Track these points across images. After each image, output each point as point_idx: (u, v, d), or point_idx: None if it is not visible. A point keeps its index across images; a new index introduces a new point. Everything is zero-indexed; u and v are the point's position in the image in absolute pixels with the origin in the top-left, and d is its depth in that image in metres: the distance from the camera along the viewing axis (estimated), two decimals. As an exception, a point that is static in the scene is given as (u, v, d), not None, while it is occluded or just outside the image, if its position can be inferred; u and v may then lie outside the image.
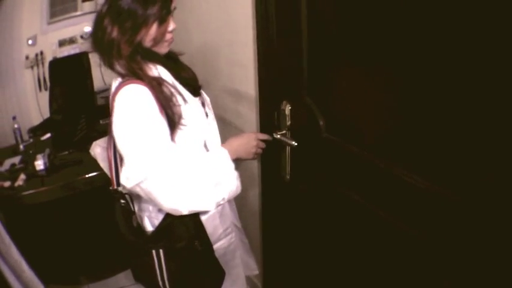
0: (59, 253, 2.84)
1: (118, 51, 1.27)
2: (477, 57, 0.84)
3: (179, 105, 1.31)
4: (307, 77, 1.43)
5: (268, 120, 1.69)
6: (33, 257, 2.40)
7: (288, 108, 1.53)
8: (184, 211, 1.29)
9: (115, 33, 1.26)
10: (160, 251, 1.36)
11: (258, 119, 1.83)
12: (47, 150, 2.89)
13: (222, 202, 1.36)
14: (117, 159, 1.40)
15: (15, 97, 4.95)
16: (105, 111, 3.44)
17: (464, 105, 0.90)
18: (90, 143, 2.64)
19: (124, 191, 1.42)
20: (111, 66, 1.31)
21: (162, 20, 1.30)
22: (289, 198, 1.75)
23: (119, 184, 1.40)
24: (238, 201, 1.85)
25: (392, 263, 1.26)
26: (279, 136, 1.56)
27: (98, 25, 1.28)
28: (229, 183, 1.36)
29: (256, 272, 1.87)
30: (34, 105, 5.03)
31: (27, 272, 2.34)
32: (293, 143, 1.51)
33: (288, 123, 1.55)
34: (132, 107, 1.24)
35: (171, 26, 1.34)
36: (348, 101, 1.31)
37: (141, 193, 1.28)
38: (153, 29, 1.29)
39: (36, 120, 4.79)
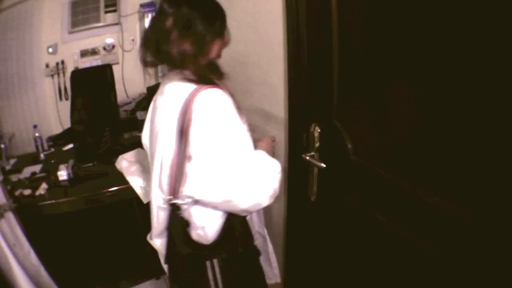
0: (77, 262, 2.88)
1: (195, 63, 1.35)
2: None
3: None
4: (336, 101, 1.52)
5: (296, 142, 1.76)
6: (52, 264, 2.45)
7: (317, 131, 1.61)
8: (265, 202, 1.38)
9: (188, 47, 1.33)
10: (215, 261, 1.43)
11: (286, 139, 1.89)
12: (71, 161, 2.92)
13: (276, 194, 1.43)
14: (183, 167, 1.36)
15: (35, 105, 5.05)
16: (129, 125, 3.55)
17: (491, 133, 0.97)
18: (115, 156, 2.70)
19: (181, 201, 1.41)
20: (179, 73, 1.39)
21: (224, 35, 1.44)
22: (314, 218, 1.82)
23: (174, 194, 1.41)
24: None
25: (416, 283, 1.32)
26: (307, 158, 1.64)
27: (164, 38, 1.35)
28: (276, 177, 1.42)
29: (274, 281, 1.90)
30: (54, 114, 5.11)
31: (45, 277, 2.41)
32: (321, 164, 1.59)
33: (317, 145, 1.63)
34: (223, 110, 1.32)
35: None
36: (375, 125, 1.39)
37: (213, 199, 1.36)
38: (220, 43, 1.43)
39: (55, 128, 4.92)
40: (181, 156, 1.33)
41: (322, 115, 1.60)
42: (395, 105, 1.28)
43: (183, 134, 1.30)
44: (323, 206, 1.73)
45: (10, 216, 2.24)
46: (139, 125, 3.46)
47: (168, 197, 1.41)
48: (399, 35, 1.20)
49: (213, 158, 1.30)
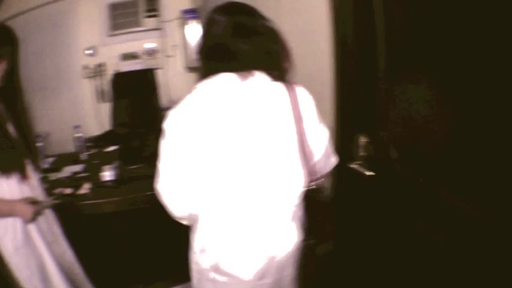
0: (113, 262, 2.92)
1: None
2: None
3: None
4: (382, 113, 1.62)
5: (344, 151, 1.82)
6: (87, 263, 2.51)
7: (363, 141, 1.71)
8: None
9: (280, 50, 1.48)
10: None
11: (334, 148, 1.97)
12: (116, 163, 3.01)
13: None
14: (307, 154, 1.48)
15: (72, 106, 5.13)
16: None
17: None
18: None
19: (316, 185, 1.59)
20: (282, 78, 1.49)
21: None
22: (359, 225, 1.92)
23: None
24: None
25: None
26: (355, 166, 1.74)
27: (275, 43, 1.47)
28: None
29: None
30: (92, 116, 5.17)
31: (80, 275, 2.48)
32: (368, 172, 1.69)
33: (363, 154, 1.72)
34: None
35: None
36: (420, 136, 1.48)
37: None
38: None
39: (93, 130, 4.96)
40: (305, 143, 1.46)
41: (369, 126, 1.69)
42: (440, 117, 1.37)
43: (299, 121, 1.44)
44: (369, 213, 1.81)
45: (49, 213, 2.31)
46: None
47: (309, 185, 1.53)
48: (444, 51, 1.28)
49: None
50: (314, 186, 1.55)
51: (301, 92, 1.49)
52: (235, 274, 1.49)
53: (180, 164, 1.43)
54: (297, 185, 1.48)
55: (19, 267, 2.09)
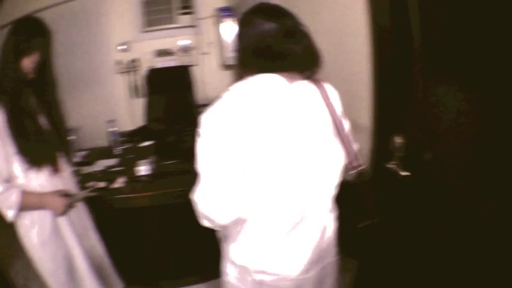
0: (143, 257, 2.97)
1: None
2: None
3: None
4: (418, 114, 1.66)
5: (380, 151, 1.89)
6: (117, 257, 2.57)
7: (399, 141, 1.74)
8: None
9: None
10: None
11: (370, 148, 2.01)
12: (152, 158, 3.05)
13: None
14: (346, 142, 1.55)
15: (104, 100, 5.20)
16: None
17: None
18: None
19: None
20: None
21: None
22: (391, 226, 1.90)
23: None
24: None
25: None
26: (391, 166, 1.77)
27: (314, 44, 1.51)
28: None
29: None
30: (125, 111, 5.26)
31: (108, 269, 2.52)
32: (403, 172, 1.72)
33: (399, 155, 1.75)
34: None
35: None
36: (455, 139, 1.51)
37: None
38: None
39: (126, 124, 5.00)
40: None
41: (405, 126, 1.73)
42: (474, 122, 1.40)
43: (333, 112, 1.50)
44: (402, 213, 1.83)
45: (81, 207, 2.34)
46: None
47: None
48: (483, 54, 1.30)
49: None
50: (355, 173, 1.58)
51: (328, 87, 1.54)
52: (283, 272, 1.52)
53: (221, 166, 1.41)
54: (338, 173, 1.53)
55: (44, 260, 2.13)
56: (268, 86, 1.43)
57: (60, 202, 2.09)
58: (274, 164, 1.41)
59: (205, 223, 1.47)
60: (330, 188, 1.53)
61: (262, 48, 1.45)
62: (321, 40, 2.08)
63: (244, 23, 1.52)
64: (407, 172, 1.72)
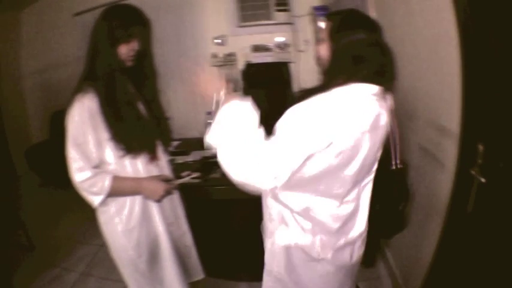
0: (227, 249, 3.03)
1: None
2: None
3: None
4: (501, 123, 1.75)
5: (464, 156, 1.97)
6: (201, 246, 2.61)
7: (481, 148, 1.83)
8: None
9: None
10: None
11: (456, 153, 2.07)
12: None
13: None
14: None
15: (197, 92, 5.11)
16: None
17: None
18: None
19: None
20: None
21: None
22: (468, 230, 2.03)
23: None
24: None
25: None
26: (473, 172, 1.85)
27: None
28: None
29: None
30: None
31: (193, 258, 2.57)
32: (481, 179, 1.81)
33: (480, 161, 1.84)
34: None
35: None
36: None
37: None
38: None
39: None
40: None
41: (489, 134, 1.82)
42: None
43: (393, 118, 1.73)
44: (479, 220, 1.92)
45: (174, 195, 2.38)
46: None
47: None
48: None
49: None
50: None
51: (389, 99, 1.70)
52: (341, 261, 1.80)
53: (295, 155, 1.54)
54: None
55: (125, 248, 2.17)
56: (367, 96, 1.58)
57: (159, 187, 2.14)
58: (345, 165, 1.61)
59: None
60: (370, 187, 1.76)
61: (363, 57, 1.58)
62: (414, 46, 2.24)
63: (343, 28, 1.63)
64: (486, 179, 1.79)
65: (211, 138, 1.66)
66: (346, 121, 1.52)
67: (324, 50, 1.70)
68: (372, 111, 1.57)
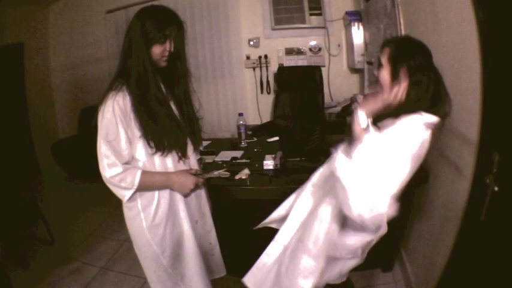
0: (251, 247, 2.84)
1: None
2: None
3: None
4: None
5: (481, 165, 2.03)
6: (225, 244, 2.62)
7: (496, 158, 1.88)
8: None
9: None
10: None
11: (473, 161, 2.14)
12: (279, 153, 3.18)
13: None
14: None
15: (230, 93, 5.51)
16: (336, 127, 3.73)
17: None
18: (322, 155, 2.70)
19: None
20: None
21: None
22: (482, 238, 2.08)
23: None
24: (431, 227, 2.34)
25: None
26: (488, 181, 1.90)
27: None
28: None
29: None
30: (252, 105, 5.54)
31: (217, 255, 2.58)
32: (495, 188, 1.86)
33: (494, 170, 1.88)
34: None
35: None
36: None
37: None
38: None
39: (251, 119, 5.37)
40: None
41: (503, 144, 1.87)
42: None
43: None
44: (491, 227, 1.96)
45: (202, 192, 2.40)
46: (346, 129, 3.47)
47: None
48: None
49: None
50: None
51: None
52: None
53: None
54: None
55: (150, 243, 2.18)
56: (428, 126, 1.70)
57: (189, 180, 2.17)
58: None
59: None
60: None
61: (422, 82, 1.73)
62: (440, 56, 2.19)
63: (402, 54, 1.76)
64: (499, 187, 1.84)
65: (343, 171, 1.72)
66: (419, 152, 1.68)
67: (385, 75, 1.80)
68: (426, 140, 1.71)
